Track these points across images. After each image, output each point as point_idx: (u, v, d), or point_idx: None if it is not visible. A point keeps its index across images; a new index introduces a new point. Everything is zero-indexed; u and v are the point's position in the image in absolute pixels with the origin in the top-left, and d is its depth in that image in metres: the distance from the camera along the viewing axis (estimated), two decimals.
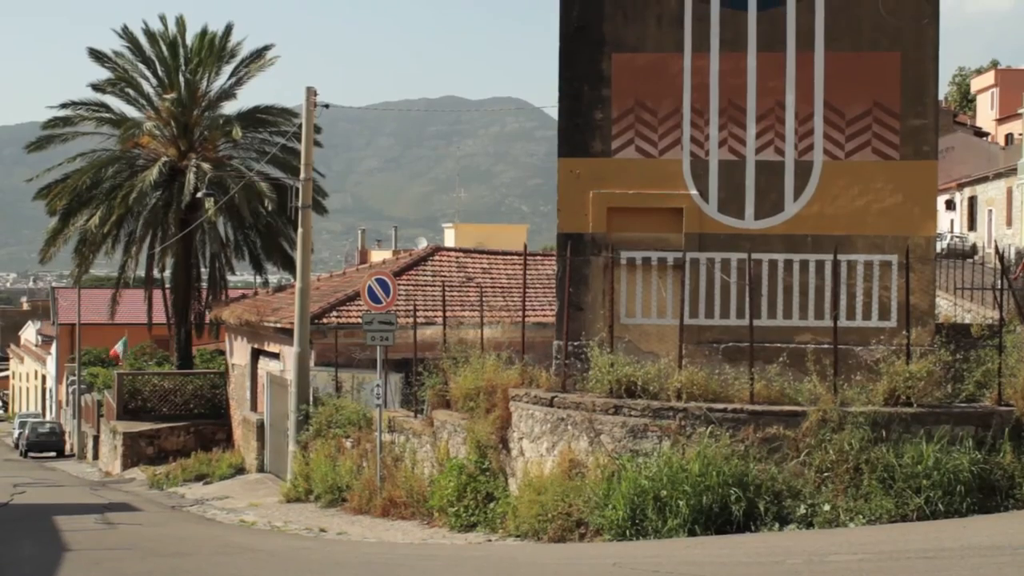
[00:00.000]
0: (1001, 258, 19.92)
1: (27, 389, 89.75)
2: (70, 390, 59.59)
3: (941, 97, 71.11)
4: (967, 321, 25.26)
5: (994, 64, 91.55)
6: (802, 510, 15.44)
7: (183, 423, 40.47)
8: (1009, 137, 74.82)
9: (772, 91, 19.69)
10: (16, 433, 63.30)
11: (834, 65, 19.59)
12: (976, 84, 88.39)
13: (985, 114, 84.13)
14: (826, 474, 15.79)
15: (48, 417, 70.04)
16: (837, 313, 18.19)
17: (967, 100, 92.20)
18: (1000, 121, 79.29)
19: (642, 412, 16.89)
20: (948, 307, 32.56)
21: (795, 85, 19.67)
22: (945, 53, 19.65)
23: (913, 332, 17.94)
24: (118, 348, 56.42)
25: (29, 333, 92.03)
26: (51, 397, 75.88)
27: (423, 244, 47.34)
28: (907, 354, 16.94)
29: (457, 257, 37.58)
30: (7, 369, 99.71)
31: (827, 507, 15.40)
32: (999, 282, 19.63)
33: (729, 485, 15.42)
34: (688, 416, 16.57)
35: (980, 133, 78.81)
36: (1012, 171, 60.15)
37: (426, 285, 33.62)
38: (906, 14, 19.45)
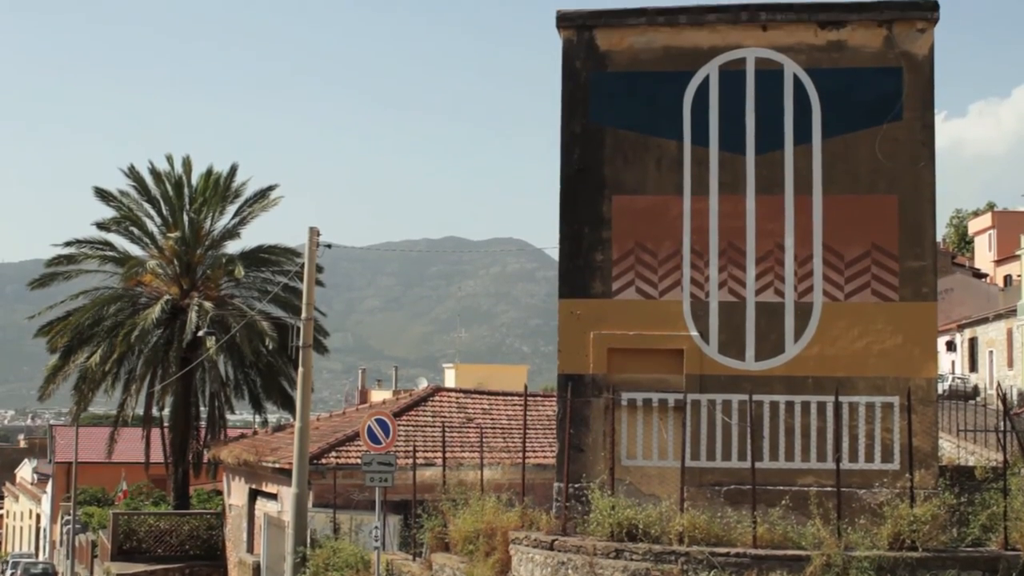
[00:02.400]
0: (1003, 399, 19.85)
1: (20, 528, 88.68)
2: (64, 529, 58.87)
3: (939, 239, 71.84)
4: (970, 463, 25.00)
5: (991, 206, 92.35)
6: None
7: (178, 564, 39.92)
8: (1008, 278, 75.18)
9: (771, 233, 19.83)
10: (8, 574, 62.40)
11: (832, 208, 19.75)
12: (973, 226, 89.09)
13: (983, 255, 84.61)
14: None
15: (41, 557, 69.11)
16: (839, 455, 18.07)
17: (965, 242, 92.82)
18: (998, 262, 79.71)
19: (644, 556, 16.67)
20: (951, 449, 32.30)
21: (794, 227, 19.81)
22: (942, 195, 20.10)
23: (916, 474, 17.80)
24: (122, 488, 56.52)
25: (25, 471, 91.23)
26: (45, 537, 74.93)
27: (423, 384, 47.27)
28: (911, 497, 16.80)
29: (457, 397, 37.47)
30: (1, 508, 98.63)
31: None
32: (1002, 424, 19.52)
33: None
34: (690, 560, 16.35)
35: (979, 274, 79.19)
36: (1012, 312, 60.35)
37: (426, 426, 33.43)
38: (902, 158, 19.69)
